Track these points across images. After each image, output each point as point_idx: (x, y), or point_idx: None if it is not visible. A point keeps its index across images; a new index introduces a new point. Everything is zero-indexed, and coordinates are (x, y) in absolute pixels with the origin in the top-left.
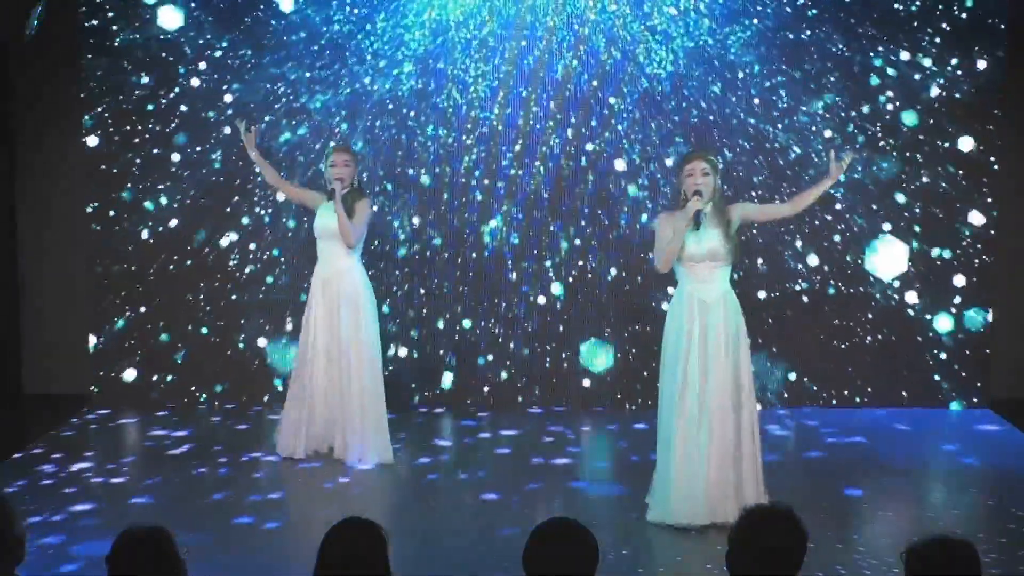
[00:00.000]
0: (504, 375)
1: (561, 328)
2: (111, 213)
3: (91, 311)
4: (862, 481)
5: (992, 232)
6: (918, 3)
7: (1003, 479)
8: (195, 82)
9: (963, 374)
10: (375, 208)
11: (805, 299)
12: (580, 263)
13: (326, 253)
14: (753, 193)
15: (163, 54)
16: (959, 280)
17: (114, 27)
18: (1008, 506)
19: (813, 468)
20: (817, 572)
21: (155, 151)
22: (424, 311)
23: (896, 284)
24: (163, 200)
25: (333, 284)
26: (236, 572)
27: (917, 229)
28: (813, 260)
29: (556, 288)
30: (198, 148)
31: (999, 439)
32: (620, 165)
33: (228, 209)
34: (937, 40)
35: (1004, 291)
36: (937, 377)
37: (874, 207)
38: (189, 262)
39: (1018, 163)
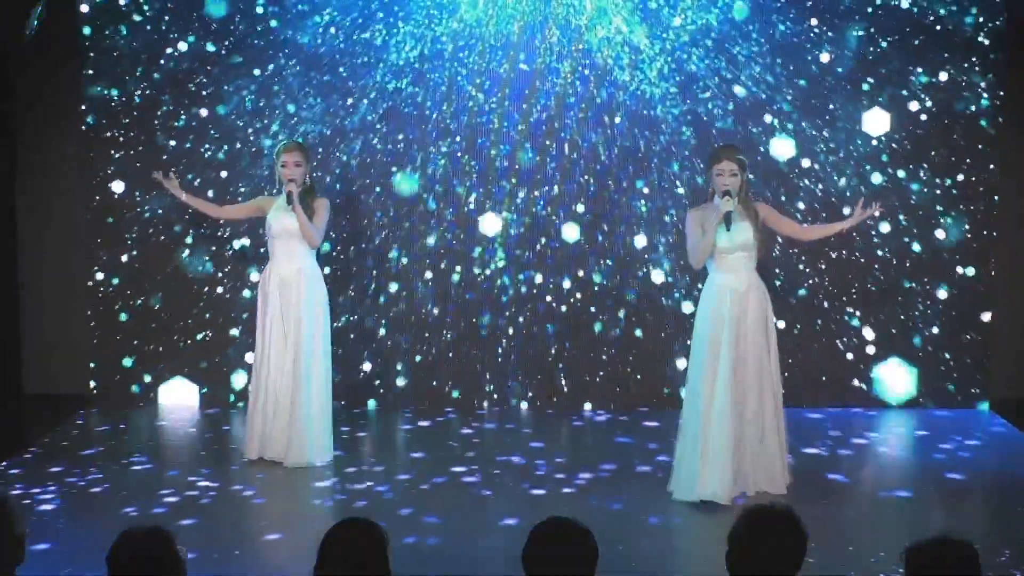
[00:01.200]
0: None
1: (564, 382)
2: (109, 215)
3: (91, 311)
4: (865, 484)
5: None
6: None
7: (1006, 479)
8: (192, 86)
9: (958, 374)
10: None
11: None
12: (578, 296)
13: (284, 253)
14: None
15: (158, 56)
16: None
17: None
18: (1014, 507)
19: (812, 469)
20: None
21: (154, 148)
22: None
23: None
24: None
25: (293, 284)
26: (235, 572)
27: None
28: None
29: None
30: (204, 147)
31: (1001, 439)
32: (634, 224)
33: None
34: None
35: (1004, 291)
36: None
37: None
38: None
39: (1017, 161)
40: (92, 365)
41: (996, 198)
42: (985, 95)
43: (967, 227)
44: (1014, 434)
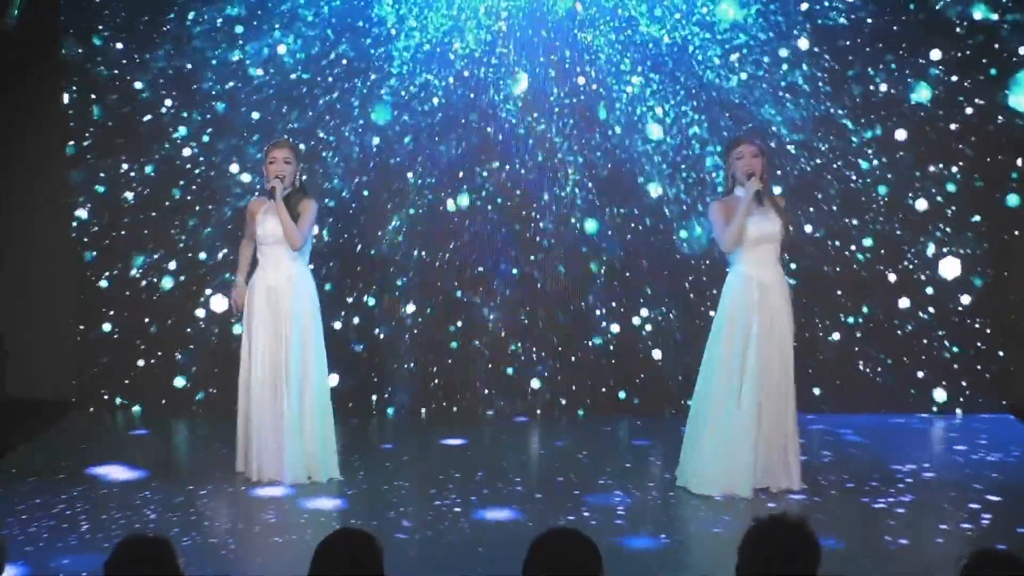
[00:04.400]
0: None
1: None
2: (96, 215)
3: (77, 314)
4: (886, 491)
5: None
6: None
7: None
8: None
9: (980, 380)
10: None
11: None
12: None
13: (272, 259)
14: None
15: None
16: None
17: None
18: None
19: (834, 474)
20: None
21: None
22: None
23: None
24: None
25: (281, 292)
26: None
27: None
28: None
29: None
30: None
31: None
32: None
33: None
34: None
35: (1021, 293)
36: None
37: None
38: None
39: None
40: (74, 380)
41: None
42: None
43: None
44: None
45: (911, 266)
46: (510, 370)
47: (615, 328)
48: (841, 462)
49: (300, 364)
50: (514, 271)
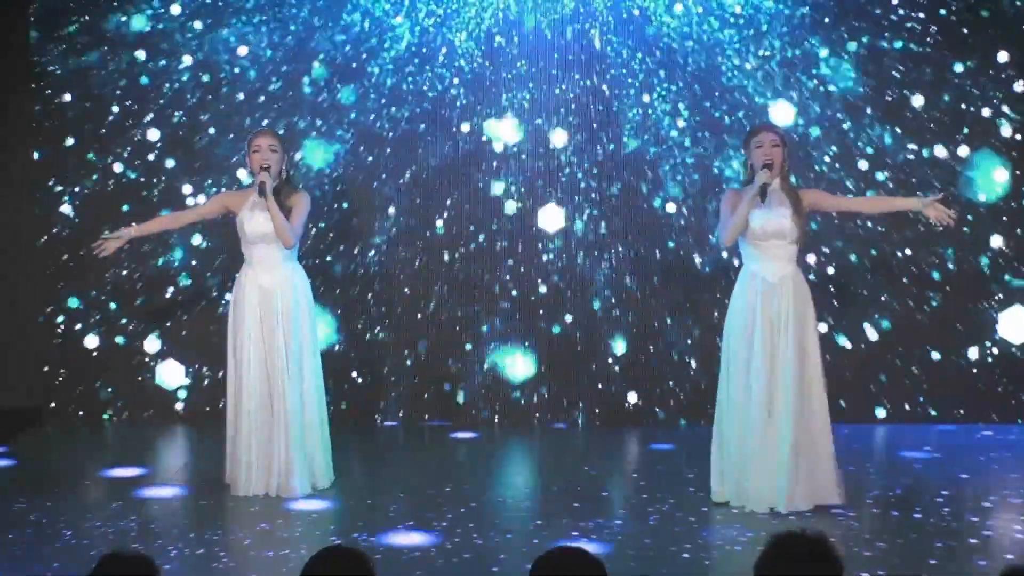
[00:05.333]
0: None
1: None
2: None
3: (42, 321)
4: (937, 502)
5: None
6: None
7: None
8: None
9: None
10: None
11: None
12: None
13: (262, 258)
14: None
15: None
16: None
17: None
18: None
19: (893, 485)
20: None
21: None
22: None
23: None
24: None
25: (276, 293)
26: None
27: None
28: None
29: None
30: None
31: None
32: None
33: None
34: None
35: None
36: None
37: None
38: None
39: None
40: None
41: None
42: None
43: None
44: None
45: (980, 317)
46: (516, 394)
47: (628, 344)
48: (879, 475)
49: (298, 366)
50: (514, 292)
